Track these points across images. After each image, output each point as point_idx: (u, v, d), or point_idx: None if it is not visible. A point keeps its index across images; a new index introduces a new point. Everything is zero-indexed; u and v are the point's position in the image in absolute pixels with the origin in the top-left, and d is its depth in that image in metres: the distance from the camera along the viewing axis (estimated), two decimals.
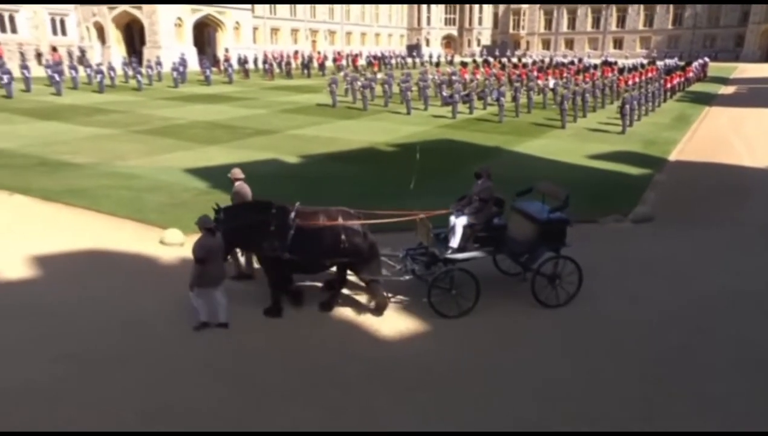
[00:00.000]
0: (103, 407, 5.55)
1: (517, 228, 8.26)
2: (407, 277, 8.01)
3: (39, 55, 46.82)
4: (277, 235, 7.35)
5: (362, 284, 8.03)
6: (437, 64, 55.41)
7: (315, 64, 51.56)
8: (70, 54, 48.42)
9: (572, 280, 7.88)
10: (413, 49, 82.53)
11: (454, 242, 7.76)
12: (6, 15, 48.59)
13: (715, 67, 55.11)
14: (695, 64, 47.43)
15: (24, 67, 34.32)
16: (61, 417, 5.34)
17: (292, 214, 7.49)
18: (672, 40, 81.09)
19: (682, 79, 39.49)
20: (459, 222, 7.69)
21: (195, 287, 7.03)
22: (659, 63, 49.06)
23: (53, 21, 52.03)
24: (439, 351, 6.87)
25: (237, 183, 9.38)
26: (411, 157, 17.32)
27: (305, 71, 49.01)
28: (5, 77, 30.03)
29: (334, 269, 8.00)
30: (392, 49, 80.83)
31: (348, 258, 7.62)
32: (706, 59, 53.04)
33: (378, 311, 7.64)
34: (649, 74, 39.47)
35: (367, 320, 7.58)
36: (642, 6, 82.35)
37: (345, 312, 7.79)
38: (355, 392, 5.99)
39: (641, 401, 5.83)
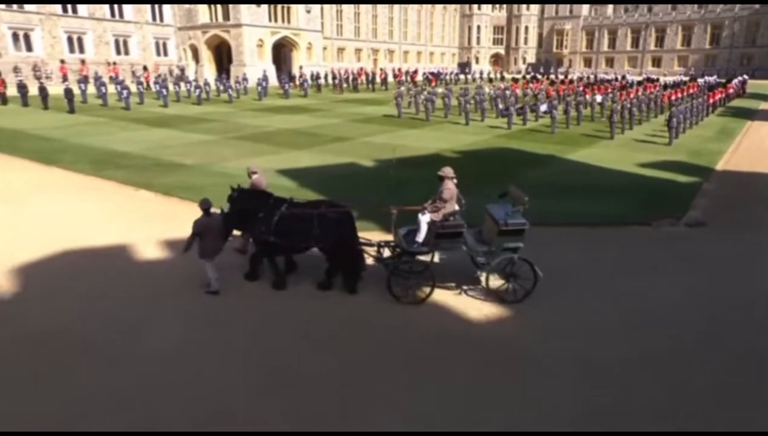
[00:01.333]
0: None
1: (486, 228, 8.25)
2: (371, 262, 8.31)
3: (147, 73, 48.51)
4: (264, 220, 7.87)
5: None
6: (491, 80, 54.98)
7: (378, 79, 51.85)
8: (170, 72, 50.51)
9: (529, 277, 7.60)
10: (464, 66, 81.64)
11: (419, 237, 7.79)
12: (121, 39, 51.23)
13: (753, 85, 52.45)
14: (735, 81, 45.39)
15: (139, 83, 36.34)
16: None
17: (283, 206, 8.02)
18: (709, 58, 77.33)
19: (724, 95, 37.79)
20: (423, 220, 7.75)
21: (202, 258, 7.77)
22: (700, 80, 46.98)
23: (157, 44, 54.42)
24: (519, 334, 6.94)
25: (254, 176, 9.90)
26: (473, 164, 17.59)
27: (370, 86, 49.42)
28: (124, 92, 31.51)
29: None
30: (445, 66, 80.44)
31: (320, 244, 7.95)
32: (746, 76, 50.77)
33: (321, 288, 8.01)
34: (691, 90, 37.82)
35: (458, 304, 7.68)
36: (680, 26, 78.88)
37: (439, 297, 7.88)
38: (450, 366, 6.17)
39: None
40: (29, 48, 45.41)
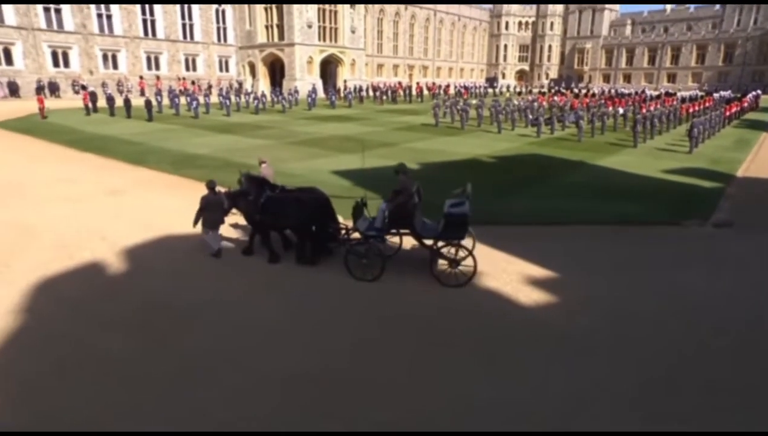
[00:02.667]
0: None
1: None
2: (333, 244, 8.74)
3: (209, 87, 50.07)
4: (254, 202, 8.50)
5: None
6: (519, 93, 54.35)
7: (414, 92, 51.94)
8: (231, 86, 51.81)
9: (470, 263, 7.63)
10: (491, 81, 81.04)
11: (377, 223, 8.04)
12: (190, 58, 52.79)
13: (765, 99, 50.50)
14: (749, 95, 43.64)
15: (206, 95, 37.42)
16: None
17: (270, 190, 8.64)
18: (722, 75, 74.35)
19: (739, 108, 36.28)
20: (381, 208, 7.99)
21: (203, 229, 8.65)
22: (715, 94, 45.40)
23: (220, 61, 55.83)
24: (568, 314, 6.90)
25: (263, 165, 10.46)
26: (510, 168, 17.50)
27: (407, 98, 49.54)
28: (193, 103, 32.58)
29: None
30: (474, 81, 79.73)
31: (292, 221, 8.46)
32: (759, 92, 48.58)
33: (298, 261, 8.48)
34: (707, 104, 36.51)
35: (510, 291, 7.68)
36: (695, 45, 76.21)
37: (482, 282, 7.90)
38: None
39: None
40: (115, 66, 47.43)
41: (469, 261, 7.65)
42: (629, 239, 10.44)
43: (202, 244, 8.96)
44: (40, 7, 41.80)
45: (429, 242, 8.04)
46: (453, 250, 7.84)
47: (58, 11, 43.11)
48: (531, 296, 7.36)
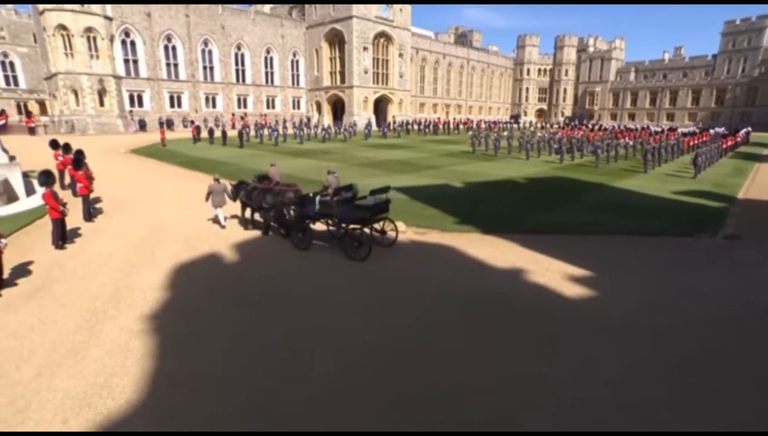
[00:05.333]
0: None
1: (355, 208, 8.99)
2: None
3: (285, 121, 51.54)
4: (247, 191, 10.49)
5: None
6: (542, 127, 53.30)
7: (452, 126, 51.83)
8: (301, 120, 53.62)
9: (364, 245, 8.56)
10: (516, 117, 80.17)
11: (311, 211, 9.21)
12: (270, 99, 55.04)
13: (753, 136, 47.60)
14: (742, 131, 41.43)
15: (285, 127, 38.83)
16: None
17: (259, 183, 10.44)
18: (714, 115, 70.84)
19: (733, 142, 34.69)
20: (316, 199, 9.14)
21: (213, 207, 10.67)
22: (711, 131, 43.39)
23: (293, 101, 57.89)
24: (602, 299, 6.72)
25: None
26: (540, 188, 17.16)
27: (445, 131, 49.40)
28: (274, 133, 34.01)
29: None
30: (501, 117, 78.93)
31: (267, 204, 10.04)
32: (749, 129, 46.28)
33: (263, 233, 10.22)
34: (704, 138, 35.16)
35: (555, 284, 7.58)
36: (690, 90, 73.48)
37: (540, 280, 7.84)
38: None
39: None
40: (214, 106, 50.12)
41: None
42: (651, 246, 10.08)
43: (281, 240, 9.34)
44: (163, 63, 45.12)
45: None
46: (381, 224, 9.51)
47: (176, 65, 46.29)
48: (573, 290, 7.22)
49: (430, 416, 4.24)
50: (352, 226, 8.84)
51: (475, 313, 6.43)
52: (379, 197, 9.09)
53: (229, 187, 10.94)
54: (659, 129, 49.50)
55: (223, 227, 10.75)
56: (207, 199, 10.73)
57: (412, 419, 4.18)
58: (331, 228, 9.77)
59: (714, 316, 6.33)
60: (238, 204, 11.26)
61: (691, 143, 32.22)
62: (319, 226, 10.27)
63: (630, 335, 5.79)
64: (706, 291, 7.26)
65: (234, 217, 11.71)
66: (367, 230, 9.24)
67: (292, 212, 9.80)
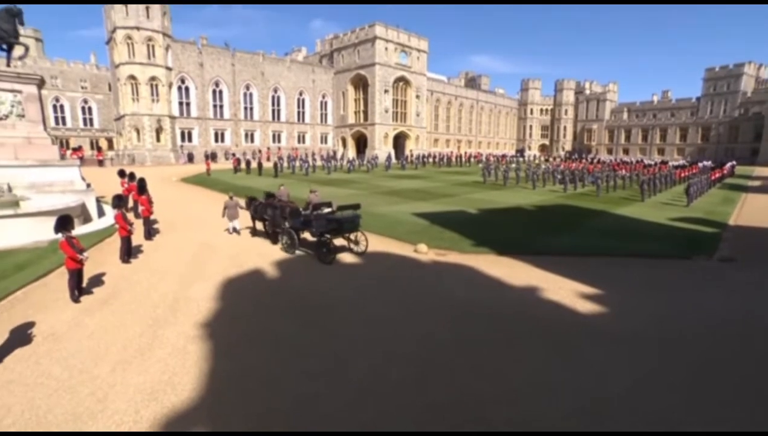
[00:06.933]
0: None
1: (329, 221, 9.90)
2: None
3: (313, 154, 53.04)
4: (254, 206, 12.04)
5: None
6: (546, 160, 53.22)
7: (463, 159, 52.14)
8: (328, 153, 54.80)
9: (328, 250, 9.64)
10: (521, 151, 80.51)
11: (296, 223, 10.36)
12: (301, 135, 56.78)
13: (739, 169, 46.68)
14: (728, 165, 40.90)
15: (314, 159, 39.78)
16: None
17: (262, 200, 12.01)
18: (701, 150, 70.49)
19: (720, 174, 34.23)
20: (301, 213, 10.64)
21: (228, 220, 12.26)
22: (699, 164, 42.84)
23: (321, 136, 59.50)
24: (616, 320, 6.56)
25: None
26: (547, 214, 17.03)
27: (457, 163, 49.67)
28: (304, 165, 34.85)
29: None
30: (507, 151, 79.09)
31: (267, 216, 11.43)
32: (734, 163, 45.69)
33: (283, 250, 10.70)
34: (694, 170, 35.16)
35: (567, 300, 7.47)
36: (678, 128, 73.83)
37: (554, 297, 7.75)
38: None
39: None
40: (252, 141, 52.01)
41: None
42: (653, 267, 9.87)
43: (310, 257, 9.49)
44: (211, 105, 47.56)
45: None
46: (353, 235, 10.47)
47: (221, 106, 48.62)
48: (586, 306, 7.11)
49: (455, 418, 4.21)
50: (327, 235, 9.76)
51: (496, 326, 6.38)
52: (347, 213, 10.23)
53: (242, 202, 12.76)
54: (652, 162, 49.40)
55: (238, 233, 12.41)
56: (223, 214, 12.33)
57: (439, 421, 4.16)
58: (312, 238, 10.73)
59: (719, 333, 6.12)
60: (248, 217, 12.97)
61: (683, 175, 32.33)
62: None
63: (641, 346, 5.66)
64: (708, 307, 7.06)
65: (246, 227, 13.03)
66: (344, 240, 10.77)
67: (286, 224, 10.80)
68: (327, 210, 10.63)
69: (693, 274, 9.41)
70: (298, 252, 10.43)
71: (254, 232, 12.55)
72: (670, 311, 6.93)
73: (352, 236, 10.61)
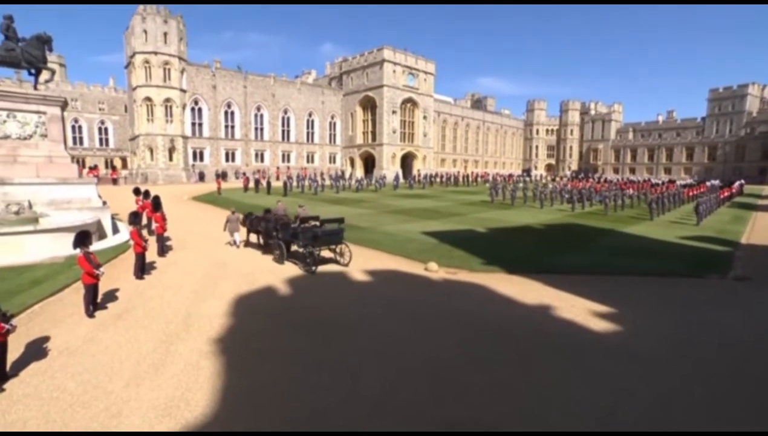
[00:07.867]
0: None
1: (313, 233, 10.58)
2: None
3: (322, 174, 53.45)
4: (249, 219, 13.05)
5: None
6: (553, 179, 53.32)
7: (470, 179, 52.28)
8: (337, 173, 55.30)
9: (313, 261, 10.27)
10: (527, 171, 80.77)
11: (287, 235, 11.17)
12: (310, 154, 57.65)
13: (748, 188, 46.36)
14: (737, 184, 40.54)
15: (323, 178, 40.22)
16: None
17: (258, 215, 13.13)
18: (708, 169, 70.08)
19: (729, 193, 33.92)
20: (291, 226, 11.27)
21: (229, 233, 13.15)
22: (708, 183, 42.36)
23: (330, 156, 60.33)
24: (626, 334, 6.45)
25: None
26: (556, 233, 16.92)
27: (464, 183, 49.83)
28: (314, 184, 35.25)
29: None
30: (513, 171, 79.32)
31: (261, 228, 12.35)
32: (743, 181, 45.29)
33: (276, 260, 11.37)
34: (702, 189, 34.65)
35: (578, 318, 7.36)
36: (684, 147, 73.70)
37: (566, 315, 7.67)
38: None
39: None
40: (262, 160, 52.85)
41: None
42: (666, 285, 9.72)
43: (327, 277, 9.48)
44: (222, 125, 48.72)
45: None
46: (338, 248, 11.13)
47: (232, 127, 49.82)
48: (600, 325, 7.01)
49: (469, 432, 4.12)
50: (311, 246, 10.35)
51: (509, 344, 6.30)
52: (331, 226, 10.95)
53: (241, 217, 13.53)
54: (659, 181, 49.05)
55: (237, 246, 13.07)
56: (225, 228, 13.26)
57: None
58: (300, 249, 11.21)
59: (738, 348, 5.97)
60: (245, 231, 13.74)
61: (691, 194, 32.03)
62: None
63: (659, 365, 5.54)
64: (726, 326, 6.91)
65: (242, 240, 13.67)
66: (327, 252, 11.42)
67: (279, 236, 11.51)
68: (313, 223, 11.34)
69: (707, 292, 9.26)
70: (287, 263, 11.21)
71: (247, 243, 13.46)
72: (687, 329, 6.81)
73: (337, 249, 11.27)
